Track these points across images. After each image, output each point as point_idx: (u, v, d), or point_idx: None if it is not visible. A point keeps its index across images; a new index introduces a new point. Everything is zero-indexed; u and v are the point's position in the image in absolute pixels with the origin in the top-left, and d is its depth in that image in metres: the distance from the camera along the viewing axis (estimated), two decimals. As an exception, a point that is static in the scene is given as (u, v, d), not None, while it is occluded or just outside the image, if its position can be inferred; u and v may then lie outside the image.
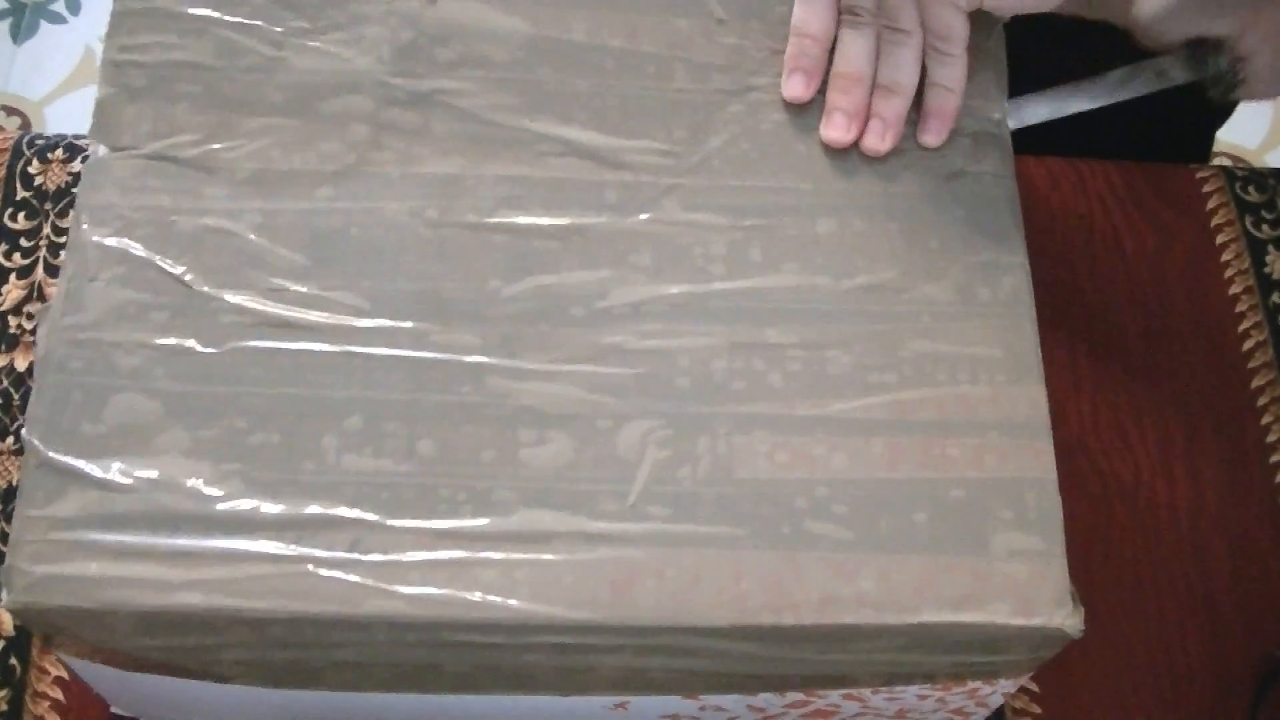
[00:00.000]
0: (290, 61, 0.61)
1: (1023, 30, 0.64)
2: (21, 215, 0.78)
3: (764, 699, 0.59)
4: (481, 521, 0.53)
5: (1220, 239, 0.83)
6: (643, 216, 0.59)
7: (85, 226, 0.57)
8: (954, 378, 0.57)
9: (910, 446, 0.56)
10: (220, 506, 0.53)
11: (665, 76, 0.62)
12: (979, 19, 0.61)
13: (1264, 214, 0.84)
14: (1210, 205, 0.84)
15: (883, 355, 0.57)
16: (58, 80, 1.59)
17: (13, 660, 0.66)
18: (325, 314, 0.56)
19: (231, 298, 0.56)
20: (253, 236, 0.58)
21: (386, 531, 0.53)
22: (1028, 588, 0.54)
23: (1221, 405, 0.78)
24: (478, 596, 0.52)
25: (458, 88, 0.61)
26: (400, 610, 0.52)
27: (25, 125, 1.56)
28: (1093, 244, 0.81)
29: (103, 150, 0.59)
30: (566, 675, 0.56)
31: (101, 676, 0.58)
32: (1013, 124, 0.64)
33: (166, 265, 0.57)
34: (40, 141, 0.79)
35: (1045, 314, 0.78)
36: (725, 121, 0.61)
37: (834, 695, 0.59)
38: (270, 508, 0.53)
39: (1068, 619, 0.54)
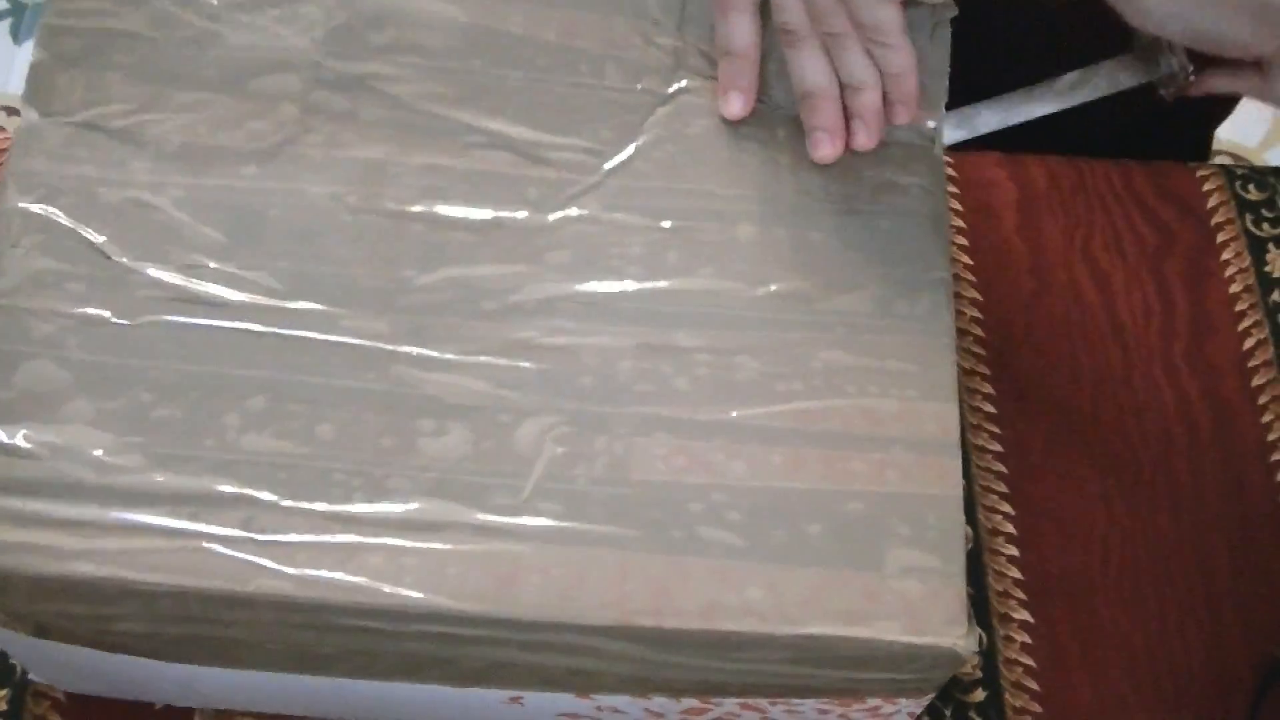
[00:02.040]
0: (224, 36, 0.64)
1: (972, 39, 0.66)
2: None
3: (659, 703, 0.61)
4: (373, 507, 0.56)
5: (1220, 238, 0.86)
6: (562, 214, 0.62)
7: (10, 192, 0.61)
8: (863, 390, 0.59)
9: (812, 457, 0.58)
10: (119, 478, 0.56)
11: (597, 74, 0.64)
12: (921, 24, 0.63)
13: (1264, 212, 0.87)
14: (1210, 204, 0.87)
15: (792, 364, 0.60)
16: (57, 81, 1.65)
17: (13, 659, 0.69)
18: (239, 292, 0.59)
19: (149, 271, 0.60)
20: (174, 211, 0.61)
21: (280, 512, 0.56)
22: (920, 606, 0.56)
23: (1222, 405, 0.81)
24: (363, 581, 0.55)
25: (389, 73, 0.63)
26: (286, 590, 0.55)
27: (25, 126, 1.62)
28: (1092, 244, 0.84)
29: (34, 116, 0.62)
30: (455, 666, 0.59)
31: (11, 641, 0.62)
32: (964, 134, 0.66)
33: (88, 235, 0.60)
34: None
35: (1046, 314, 0.81)
36: (653, 123, 0.64)
37: (730, 704, 0.61)
38: (168, 482, 0.56)
39: (960, 639, 0.56)
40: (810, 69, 0.63)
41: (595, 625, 0.55)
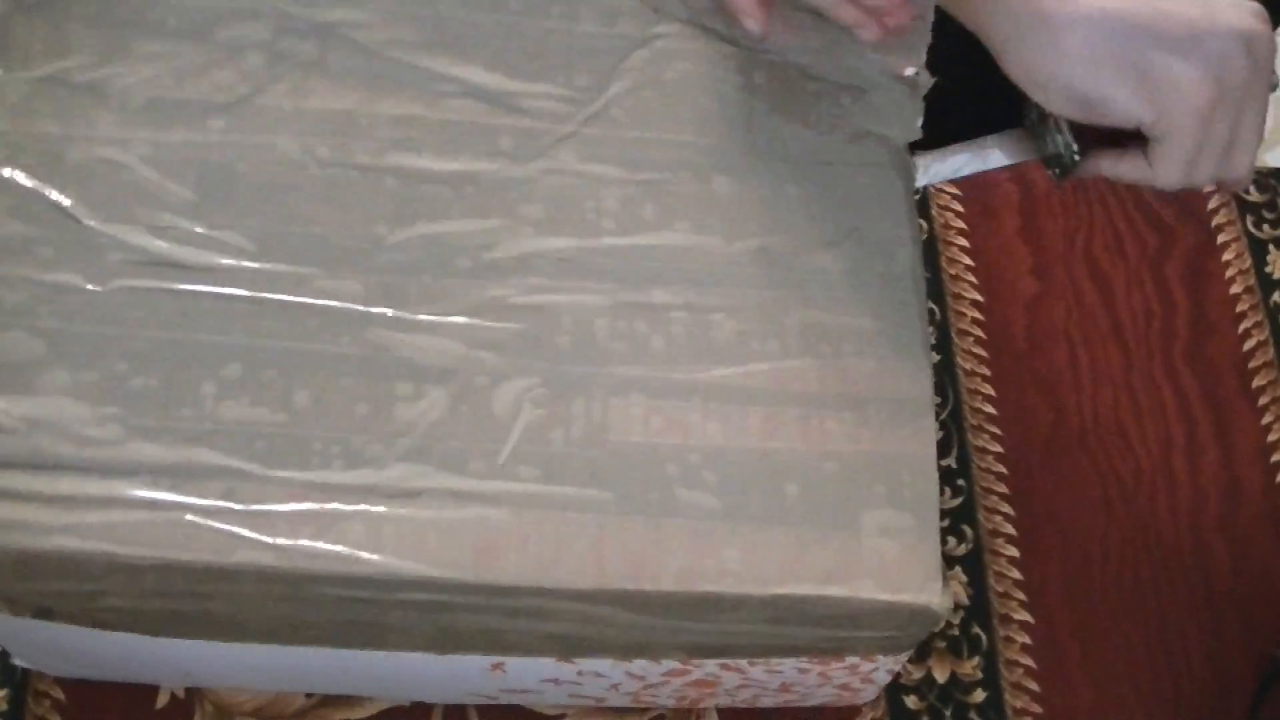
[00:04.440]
0: None
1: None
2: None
3: (640, 666, 0.63)
4: (352, 475, 0.57)
5: (1221, 239, 0.86)
6: (537, 165, 0.61)
7: (-27, 154, 0.60)
8: (838, 350, 0.60)
9: (788, 417, 0.59)
10: (99, 451, 0.57)
11: (570, 18, 0.64)
12: None
13: (1265, 214, 0.88)
14: (1211, 205, 0.87)
15: (768, 323, 0.60)
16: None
17: (14, 659, 0.70)
18: (211, 254, 0.59)
19: (119, 233, 0.60)
20: (142, 169, 0.60)
21: (259, 481, 0.57)
22: (896, 564, 0.58)
23: (1222, 405, 0.82)
24: (344, 550, 0.56)
25: (357, 19, 0.63)
26: (268, 561, 0.56)
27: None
28: (1093, 244, 0.84)
29: (-4, 71, 0.61)
30: (437, 634, 0.61)
31: (-6, 623, 0.63)
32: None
33: (55, 197, 0.60)
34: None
35: (1046, 314, 0.82)
36: (629, 68, 0.63)
37: (711, 665, 0.63)
38: (148, 453, 0.57)
39: (935, 597, 0.57)
40: None
41: (574, 590, 0.57)
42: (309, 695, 0.70)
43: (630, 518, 0.57)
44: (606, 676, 0.64)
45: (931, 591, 0.58)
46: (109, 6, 0.62)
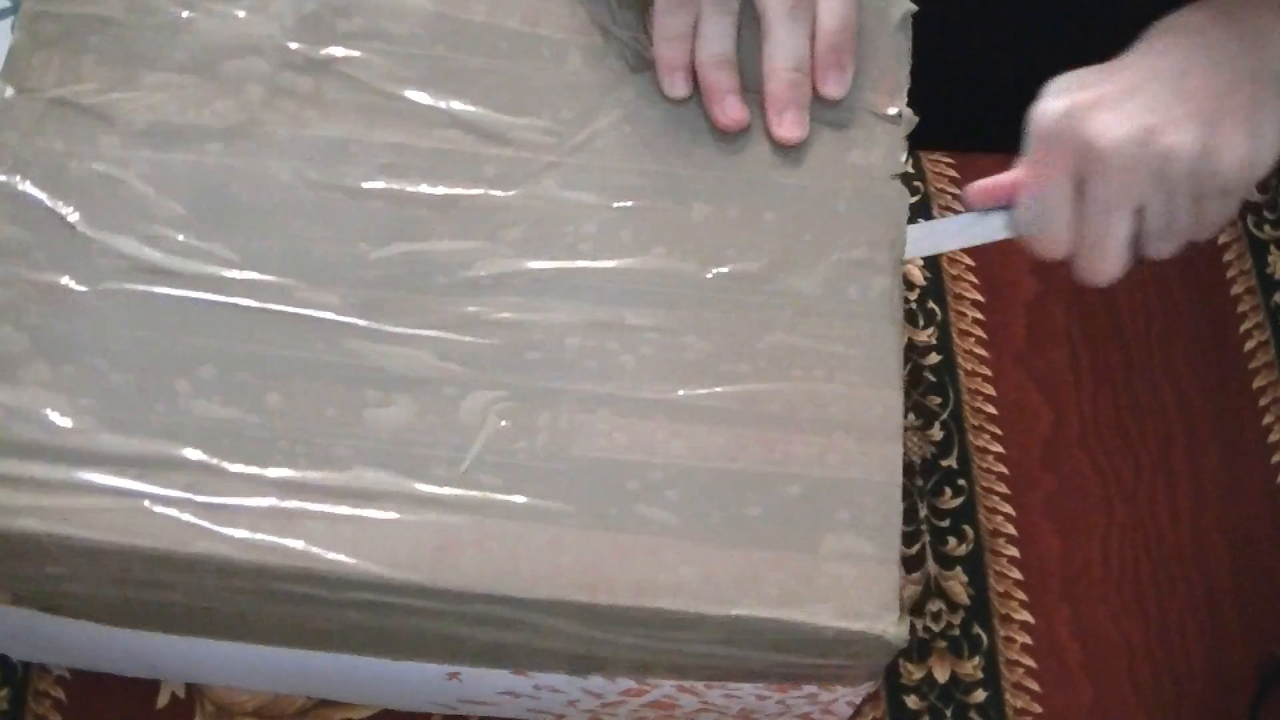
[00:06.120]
0: (197, 22, 0.66)
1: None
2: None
3: (597, 683, 0.63)
4: (315, 475, 0.58)
5: (1222, 239, 0.87)
6: (519, 192, 0.64)
7: (-20, 163, 0.63)
8: (809, 374, 0.61)
9: (753, 439, 0.60)
10: (70, 440, 0.58)
11: (559, 60, 0.67)
12: (882, 11, 0.65)
13: (1266, 214, 0.88)
14: None
15: (739, 345, 0.61)
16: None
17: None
18: (196, 263, 0.62)
19: (111, 241, 0.62)
20: (140, 185, 0.63)
21: (223, 476, 0.58)
22: (854, 591, 0.58)
23: (1222, 405, 0.82)
24: (301, 546, 0.57)
25: (354, 57, 0.66)
26: (226, 553, 0.57)
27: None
28: None
29: (8, 92, 0.65)
30: (392, 637, 0.61)
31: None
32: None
33: (54, 206, 0.63)
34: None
35: (1046, 314, 0.83)
36: (613, 105, 0.66)
37: (667, 686, 0.63)
38: (116, 444, 0.58)
39: (891, 627, 0.57)
40: (795, 42, 0.65)
41: (528, 599, 0.57)
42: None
43: (589, 531, 0.58)
44: (563, 692, 0.64)
45: (887, 620, 0.57)
46: (121, 42, 0.66)
